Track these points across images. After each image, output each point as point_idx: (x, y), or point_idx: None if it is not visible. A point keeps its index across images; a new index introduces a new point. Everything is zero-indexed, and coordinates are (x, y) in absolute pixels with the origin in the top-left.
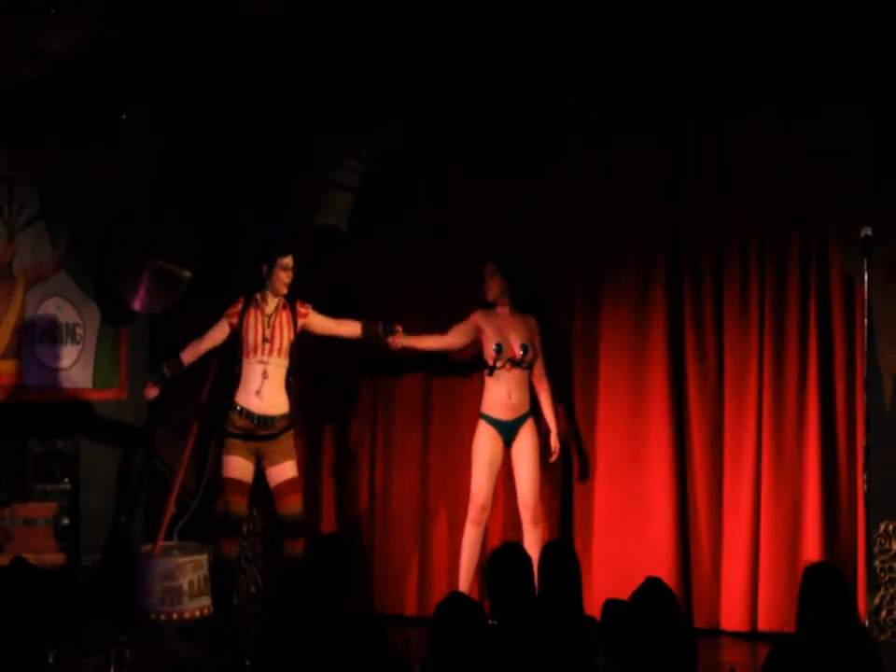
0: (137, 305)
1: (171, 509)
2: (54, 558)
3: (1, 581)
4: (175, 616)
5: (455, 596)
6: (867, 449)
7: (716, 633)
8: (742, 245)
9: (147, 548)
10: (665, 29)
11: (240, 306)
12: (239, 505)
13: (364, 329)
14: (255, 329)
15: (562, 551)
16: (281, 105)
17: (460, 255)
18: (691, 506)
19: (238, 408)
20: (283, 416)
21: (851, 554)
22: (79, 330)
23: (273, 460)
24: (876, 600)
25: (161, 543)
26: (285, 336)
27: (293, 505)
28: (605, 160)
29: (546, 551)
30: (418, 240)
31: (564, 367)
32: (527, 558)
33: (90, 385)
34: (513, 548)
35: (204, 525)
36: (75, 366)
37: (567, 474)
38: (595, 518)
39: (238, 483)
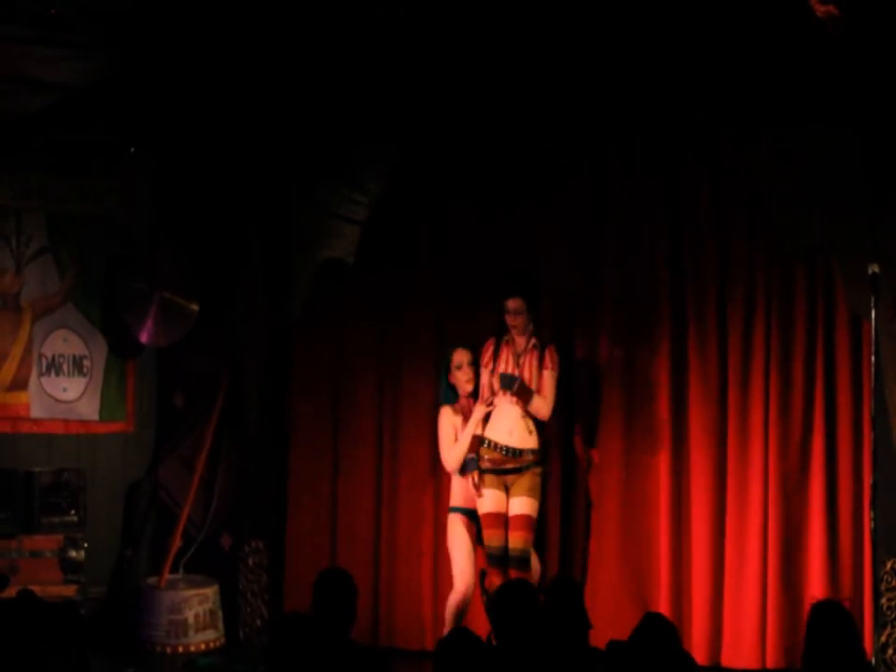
0: (144, 338)
1: (177, 541)
2: (60, 590)
3: (8, 613)
4: (180, 649)
5: (458, 631)
6: (874, 487)
7: (717, 670)
8: (747, 282)
9: (152, 580)
10: (663, 61)
11: (492, 347)
12: (493, 538)
13: None
14: (505, 368)
15: (567, 584)
16: (286, 138)
17: (462, 288)
18: (692, 543)
19: (487, 442)
20: (530, 451)
21: (858, 592)
22: (86, 363)
23: (514, 493)
24: (883, 638)
25: (166, 576)
26: (533, 377)
27: (516, 540)
28: (605, 192)
29: (552, 584)
30: (422, 272)
31: (566, 401)
32: (534, 594)
33: (96, 417)
34: (521, 584)
35: (210, 558)
36: (81, 398)
37: (566, 508)
38: (592, 551)
39: (490, 517)
